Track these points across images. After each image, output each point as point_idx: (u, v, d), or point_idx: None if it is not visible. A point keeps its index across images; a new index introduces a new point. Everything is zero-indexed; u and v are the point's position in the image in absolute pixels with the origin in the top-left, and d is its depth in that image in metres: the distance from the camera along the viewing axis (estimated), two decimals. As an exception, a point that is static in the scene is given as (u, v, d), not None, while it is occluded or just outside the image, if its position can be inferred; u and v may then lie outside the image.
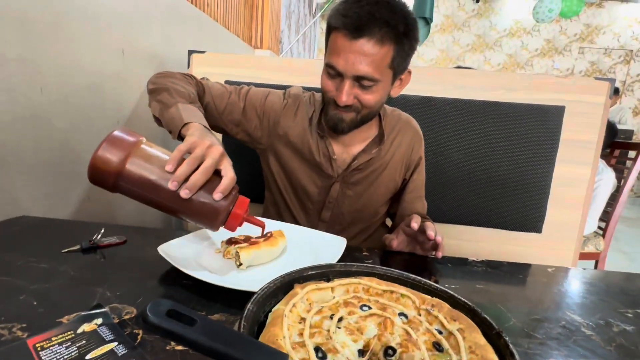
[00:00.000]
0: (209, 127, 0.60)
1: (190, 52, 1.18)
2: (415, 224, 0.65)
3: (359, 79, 0.66)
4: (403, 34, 0.65)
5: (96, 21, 0.92)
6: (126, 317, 0.41)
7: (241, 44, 2.21)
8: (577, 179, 1.15)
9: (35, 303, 0.42)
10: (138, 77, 1.13)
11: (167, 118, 0.62)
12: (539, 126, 1.12)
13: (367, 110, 0.72)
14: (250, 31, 2.44)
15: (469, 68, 2.24)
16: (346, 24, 0.63)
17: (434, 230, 0.65)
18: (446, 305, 0.38)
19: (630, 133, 4.20)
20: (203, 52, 1.19)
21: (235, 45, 2.08)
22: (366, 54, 0.63)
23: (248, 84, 1.16)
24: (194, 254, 0.57)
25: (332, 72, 0.68)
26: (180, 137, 0.59)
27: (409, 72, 0.75)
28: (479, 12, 5.26)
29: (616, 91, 4.67)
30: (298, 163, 0.83)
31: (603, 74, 5.23)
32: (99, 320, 0.39)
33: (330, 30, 0.68)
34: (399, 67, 0.69)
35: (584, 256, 1.85)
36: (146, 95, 1.25)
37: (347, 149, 0.81)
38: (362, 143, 0.81)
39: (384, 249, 0.73)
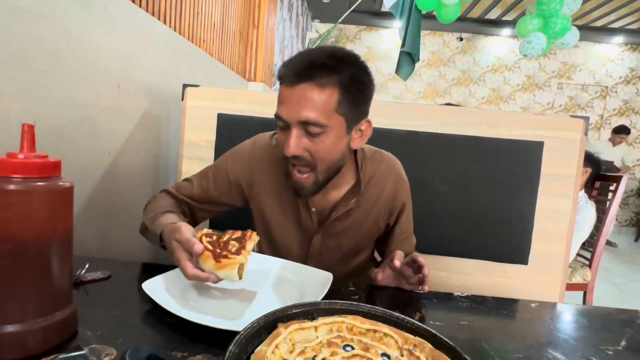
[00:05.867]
0: (169, 219, 0.67)
1: (185, 86, 1.22)
2: (397, 261, 0.65)
3: (305, 126, 0.64)
4: (349, 78, 0.64)
5: (94, 57, 0.95)
6: (105, 359, 0.40)
7: (235, 77, 2.28)
8: (559, 211, 1.18)
9: (11, 344, 0.41)
10: (132, 109, 1.16)
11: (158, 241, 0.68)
12: (520, 160, 1.16)
13: (324, 165, 0.68)
14: (245, 65, 2.53)
15: (458, 105, 2.33)
16: (287, 73, 0.64)
17: (423, 259, 0.65)
18: (428, 345, 0.39)
19: (610, 164, 4.35)
20: (197, 85, 1.22)
21: (229, 78, 2.15)
22: (307, 98, 0.62)
23: (241, 116, 1.20)
24: (179, 290, 0.57)
25: (281, 123, 0.67)
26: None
27: (369, 122, 0.71)
28: (462, 49, 5.56)
29: (625, 129, 4.41)
30: (278, 216, 0.81)
31: (582, 108, 5.49)
32: (78, 363, 0.38)
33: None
34: (349, 113, 0.66)
35: (572, 287, 1.86)
36: (139, 126, 1.26)
37: (325, 197, 0.78)
38: (340, 190, 0.78)
39: (370, 283, 0.73)
